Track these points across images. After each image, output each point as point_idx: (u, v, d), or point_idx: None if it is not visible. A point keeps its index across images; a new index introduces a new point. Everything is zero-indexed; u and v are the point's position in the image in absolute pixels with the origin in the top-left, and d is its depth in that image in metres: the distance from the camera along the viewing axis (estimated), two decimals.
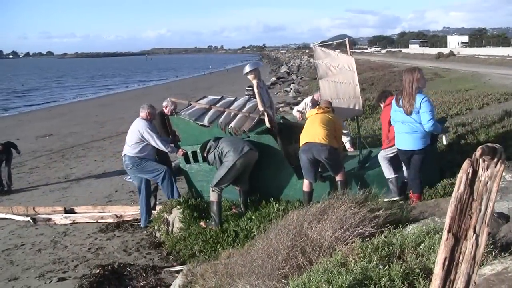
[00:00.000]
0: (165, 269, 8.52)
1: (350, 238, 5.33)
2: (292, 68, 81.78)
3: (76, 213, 11.94)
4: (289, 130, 10.50)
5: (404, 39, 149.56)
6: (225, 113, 10.41)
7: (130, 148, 10.45)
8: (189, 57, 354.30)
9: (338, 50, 12.17)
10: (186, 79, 79.14)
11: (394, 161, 8.96)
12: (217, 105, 10.70)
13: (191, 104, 10.66)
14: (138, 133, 10.30)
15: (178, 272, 7.87)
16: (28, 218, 11.76)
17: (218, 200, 9.38)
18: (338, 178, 9.18)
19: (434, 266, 4.16)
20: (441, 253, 2.75)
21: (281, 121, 11.01)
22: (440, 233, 4.91)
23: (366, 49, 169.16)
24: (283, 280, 4.96)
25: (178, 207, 9.81)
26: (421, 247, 4.84)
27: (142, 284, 7.93)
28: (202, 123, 9.95)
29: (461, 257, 2.73)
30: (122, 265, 8.65)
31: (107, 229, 10.86)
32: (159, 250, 9.53)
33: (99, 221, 11.36)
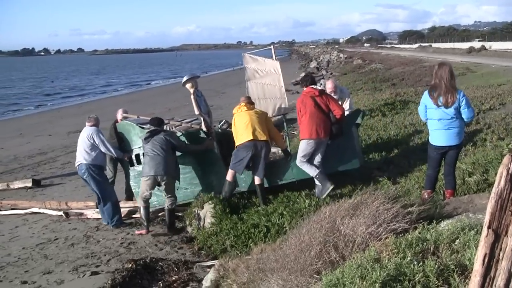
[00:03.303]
0: (197, 264, 8.56)
1: (383, 234, 5.30)
2: (322, 63, 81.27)
3: None
4: (229, 139, 11.02)
5: (435, 33, 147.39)
6: (170, 123, 11.54)
7: (85, 156, 10.88)
8: (219, 52, 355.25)
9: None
10: (216, 75, 79.04)
11: (312, 157, 9.85)
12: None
13: (139, 117, 11.97)
14: (90, 138, 10.84)
15: (210, 267, 7.91)
16: (61, 213, 11.93)
17: (146, 205, 10.38)
18: (257, 182, 9.99)
19: (469, 263, 4.13)
20: (481, 249, 2.72)
21: (220, 131, 12.19)
22: (475, 229, 4.86)
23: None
24: (315, 276, 4.96)
25: (210, 202, 9.86)
26: (456, 243, 4.78)
27: (174, 278, 7.98)
28: (143, 126, 10.95)
29: (501, 254, 2.70)
30: (154, 259, 8.71)
31: (139, 224, 10.93)
32: (190, 245, 9.59)
33: (131, 216, 11.48)
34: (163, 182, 10.17)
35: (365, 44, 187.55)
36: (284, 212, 8.86)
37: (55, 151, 20.57)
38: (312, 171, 9.76)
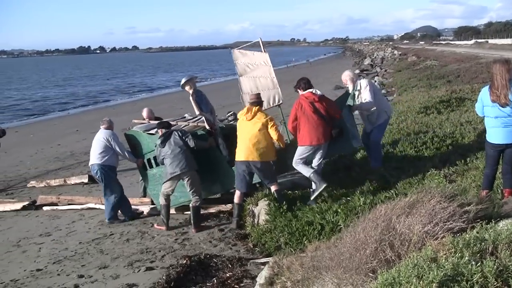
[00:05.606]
0: (251, 261, 8.61)
1: (440, 233, 5.22)
2: (376, 60, 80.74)
3: None
4: (234, 134, 11.07)
5: (491, 29, 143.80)
6: (177, 124, 11.75)
7: (98, 157, 11.43)
8: (272, 50, 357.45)
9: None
10: None
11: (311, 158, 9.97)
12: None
13: (149, 122, 12.45)
14: (104, 140, 11.44)
15: (264, 264, 7.95)
16: None
17: (166, 203, 10.70)
18: (273, 188, 9.93)
19: None
20: None
21: (224, 126, 12.20)
22: None
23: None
24: (371, 274, 4.92)
25: (265, 199, 9.93)
26: None
27: (228, 275, 8.03)
28: (150, 132, 11.32)
29: None
30: (208, 256, 8.81)
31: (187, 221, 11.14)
32: (245, 242, 9.66)
33: (185, 212, 11.57)
34: (188, 179, 10.45)
35: (420, 42, 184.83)
36: (339, 210, 8.84)
37: None
38: (305, 171, 9.79)
